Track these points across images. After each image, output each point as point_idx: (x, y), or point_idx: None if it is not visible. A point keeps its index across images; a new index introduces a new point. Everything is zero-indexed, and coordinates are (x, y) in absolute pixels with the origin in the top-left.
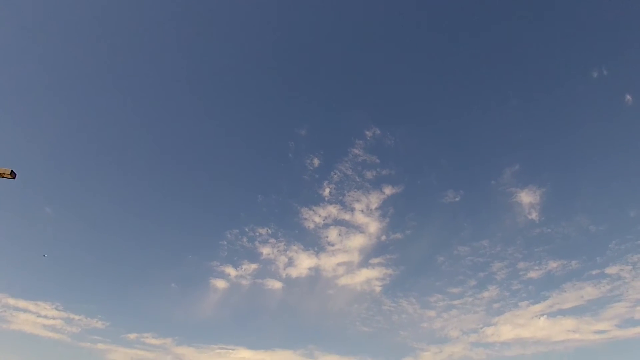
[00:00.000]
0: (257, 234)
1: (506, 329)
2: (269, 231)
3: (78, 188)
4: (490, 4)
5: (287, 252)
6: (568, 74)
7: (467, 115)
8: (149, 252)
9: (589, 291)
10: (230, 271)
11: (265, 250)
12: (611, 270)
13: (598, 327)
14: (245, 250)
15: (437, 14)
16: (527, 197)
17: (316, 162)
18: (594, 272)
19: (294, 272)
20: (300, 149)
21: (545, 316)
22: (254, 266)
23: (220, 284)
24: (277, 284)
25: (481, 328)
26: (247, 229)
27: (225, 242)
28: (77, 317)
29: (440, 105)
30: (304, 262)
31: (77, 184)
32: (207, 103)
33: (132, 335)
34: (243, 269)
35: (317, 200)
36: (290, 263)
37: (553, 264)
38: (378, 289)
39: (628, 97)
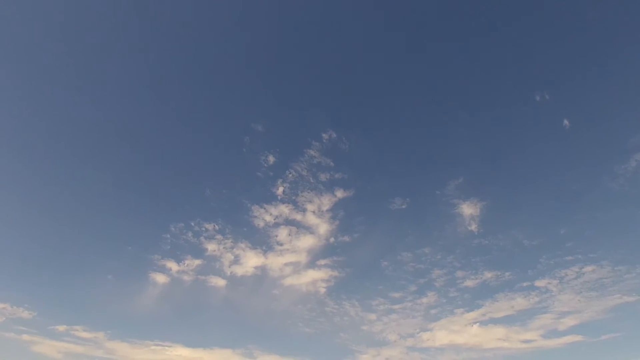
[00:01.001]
0: (204, 229)
1: (441, 335)
2: (216, 227)
3: (9, 168)
4: (445, 23)
5: (234, 249)
6: (514, 96)
7: (418, 127)
8: (85, 239)
9: (519, 302)
10: (172, 266)
11: (211, 247)
12: (540, 283)
13: (525, 336)
14: (189, 245)
15: (394, 29)
16: (468, 209)
17: (271, 159)
18: (524, 284)
19: (239, 270)
20: (255, 145)
21: (478, 324)
22: (197, 262)
23: (161, 278)
24: (220, 282)
25: (418, 333)
26: (193, 224)
27: (169, 236)
28: (1, 306)
29: (394, 115)
30: (251, 261)
31: (8, 164)
32: (158, 86)
33: (61, 327)
34: (186, 265)
35: (270, 199)
36: (236, 261)
37: (488, 274)
38: (323, 290)
39: (566, 121)
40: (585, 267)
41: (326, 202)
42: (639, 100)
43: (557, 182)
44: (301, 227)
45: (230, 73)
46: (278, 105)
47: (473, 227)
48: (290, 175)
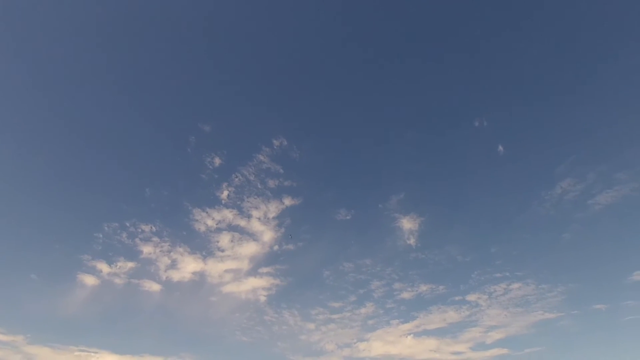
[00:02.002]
0: (140, 230)
1: (377, 345)
2: (154, 229)
3: None
4: (398, 45)
5: (171, 253)
6: (455, 120)
7: (367, 142)
8: (8, 232)
9: (451, 315)
10: (103, 267)
11: (147, 249)
12: (471, 297)
13: (455, 348)
14: (123, 247)
15: (350, 44)
16: (407, 224)
17: (217, 161)
18: (456, 298)
19: (175, 275)
20: (201, 146)
21: (412, 335)
22: (130, 265)
23: (90, 280)
24: (155, 286)
25: (355, 343)
26: (128, 224)
27: (101, 235)
28: None
29: (345, 128)
30: (189, 266)
31: None
32: (99, 75)
33: None
34: (118, 267)
35: (213, 202)
36: (173, 265)
37: (423, 287)
38: (263, 298)
39: (501, 147)
40: (512, 284)
41: (273, 209)
42: (565, 134)
43: (490, 203)
44: (245, 234)
45: (179, 68)
46: (229, 106)
47: (412, 241)
48: (237, 180)
